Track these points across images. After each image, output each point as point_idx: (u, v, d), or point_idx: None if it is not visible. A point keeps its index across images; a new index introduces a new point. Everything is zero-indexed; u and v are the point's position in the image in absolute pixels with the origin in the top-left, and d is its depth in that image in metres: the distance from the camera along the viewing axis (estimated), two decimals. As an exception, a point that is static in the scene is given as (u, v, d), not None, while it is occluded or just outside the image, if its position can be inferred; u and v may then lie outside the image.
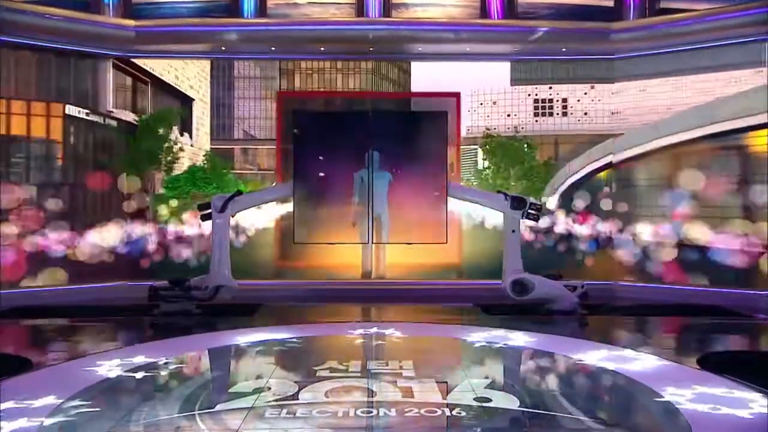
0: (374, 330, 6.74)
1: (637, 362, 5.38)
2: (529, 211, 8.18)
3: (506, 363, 5.76)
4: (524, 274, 8.18)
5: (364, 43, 9.80)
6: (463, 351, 5.99)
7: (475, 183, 13.03)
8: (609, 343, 6.09)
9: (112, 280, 9.45)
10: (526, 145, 11.95)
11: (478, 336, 6.47)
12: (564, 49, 9.94)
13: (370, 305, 8.64)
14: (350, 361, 5.31)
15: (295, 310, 8.61)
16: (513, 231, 8.24)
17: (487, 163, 12.26)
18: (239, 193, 8.41)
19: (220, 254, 8.15)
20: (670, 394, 4.45)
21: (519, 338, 6.41)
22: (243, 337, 6.42)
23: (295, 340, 6.36)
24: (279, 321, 7.56)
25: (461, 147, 10.76)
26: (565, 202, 11.53)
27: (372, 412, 4.08)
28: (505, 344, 6.15)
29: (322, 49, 9.89)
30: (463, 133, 10.95)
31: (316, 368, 5.12)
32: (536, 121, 11.44)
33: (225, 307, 8.13)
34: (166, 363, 5.35)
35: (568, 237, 10.81)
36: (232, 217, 8.44)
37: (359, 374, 4.95)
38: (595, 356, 5.57)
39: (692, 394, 4.45)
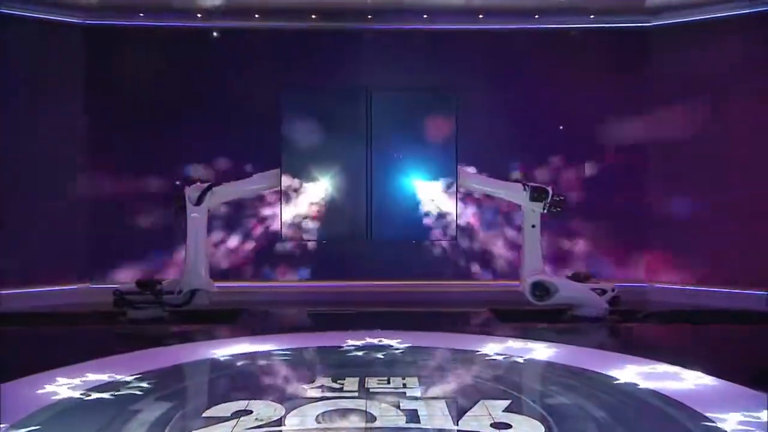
0: (373, 340, 6.60)
1: (682, 380, 5.18)
2: (552, 201, 7.98)
3: (528, 380, 5.56)
4: (546, 276, 8.02)
5: (361, 11, 9.55)
6: (477, 365, 5.80)
7: None
8: (646, 357, 5.87)
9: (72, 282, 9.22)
10: None
11: (494, 347, 6.31)
12: (592, 17, 9.67)
13: (369, 310, 8.50)
14: (345, 379, 5.15)
15: (282, 316, 8.44)
16: (533, 226, 8.07)
17: None
18: (218, 182, 8.24)
19: (196, 253, 7.99)
20: (727, 421, 4.22)
21: (542, 350, 6.24)
22: (221, 350, 6.26)
23: (281, 352, 6.20)
24: (263, 329, 7.41)
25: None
26: None
27: (371, 441, 3.87)
28: (525, 358, 5.98)
29: (314, 17, 9.64)
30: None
31: (305, 387, 4.97)
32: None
33: (202, 314, 7.98)
34: (131, 381, 5.16)
35: None
36: (210, 210, 8.27)
37: (356, 394, 4.78)
38: (632, 373, 5.38)
39: (753, 421, 4.22)
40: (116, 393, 4.84)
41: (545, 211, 8.04)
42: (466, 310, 8.64)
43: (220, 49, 9.77)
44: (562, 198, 8.11)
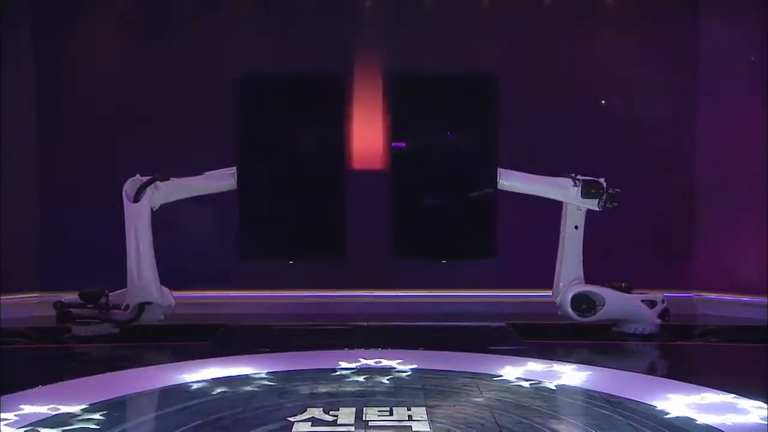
0: (373, 362, 6.62)
1: (751, 415, 5.09)
2: (607, 196, 7.80)
3: (556, 413, 5.42)
4: (589, 286, 7.92)
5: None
6: (496, 393, 5.74)
7: None
8: (705, 385, 5.79)
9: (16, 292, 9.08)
10: None
11: (516, 371, 6.31)
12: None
13: (367, 325, 8.52)
14: (340, 409, 5.12)
15: (265, 333, 8.40)
16: (576, 227, 7.95)
17: None
18: (165, 177, 7.85)
19: (139, 261, 7.74)
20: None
21: (573, 375, 6.20)
22: (191, 375, 6.24)
23: (263, 377, 6.19)
24: (242, 349, 7.33)
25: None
26: None
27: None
28: (554, 384, 5.94)
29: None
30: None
31: (292, 419, 4.93)
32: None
33: (168, 330, 7.96)
34: (79, 415, 5.10)
35: None
36: (154, 209, 7.94)
37: (352, 428, 4.73)
38: (687, 404, 5.32)
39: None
40: (65, 428, 4.79)
41: (600, 208, 7.87)
42: (481, 325, 8.65)
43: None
44: (617, 191, 7.88)
